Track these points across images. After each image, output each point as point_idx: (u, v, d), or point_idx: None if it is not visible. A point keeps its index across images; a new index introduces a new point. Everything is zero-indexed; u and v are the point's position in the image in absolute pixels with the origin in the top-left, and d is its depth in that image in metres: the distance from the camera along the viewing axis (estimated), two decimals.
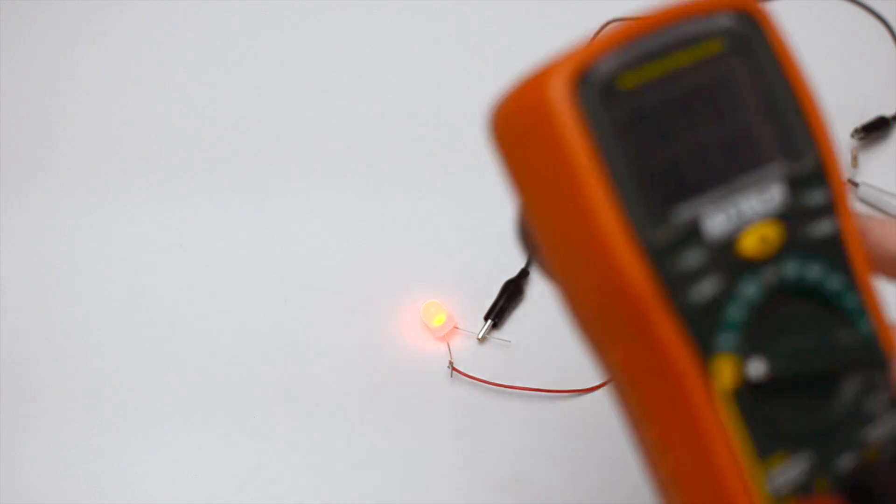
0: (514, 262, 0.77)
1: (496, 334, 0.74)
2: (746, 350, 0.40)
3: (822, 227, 0.42)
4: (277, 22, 0.89)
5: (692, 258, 0.39)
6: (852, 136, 0.80)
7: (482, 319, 0.74)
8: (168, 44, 0.88)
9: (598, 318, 0.41)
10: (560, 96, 0.39)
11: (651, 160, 0.39)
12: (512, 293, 0.75)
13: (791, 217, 0.41)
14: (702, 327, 0.39)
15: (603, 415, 0.71)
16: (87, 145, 0.82)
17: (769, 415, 0.40)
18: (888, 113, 0.82)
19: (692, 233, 0.39)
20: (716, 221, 0.40)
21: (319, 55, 0.87)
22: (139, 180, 0.80)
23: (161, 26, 0.89)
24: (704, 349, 0.39)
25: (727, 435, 0.39)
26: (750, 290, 0.40)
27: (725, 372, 0.39)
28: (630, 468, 0.70)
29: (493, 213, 0.79)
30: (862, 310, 0.42)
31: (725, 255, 0.40)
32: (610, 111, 0.39)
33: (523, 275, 0.76)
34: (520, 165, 0.41)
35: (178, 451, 0.69)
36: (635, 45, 0.40)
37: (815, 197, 0.42)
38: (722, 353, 0.39)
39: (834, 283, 0.42)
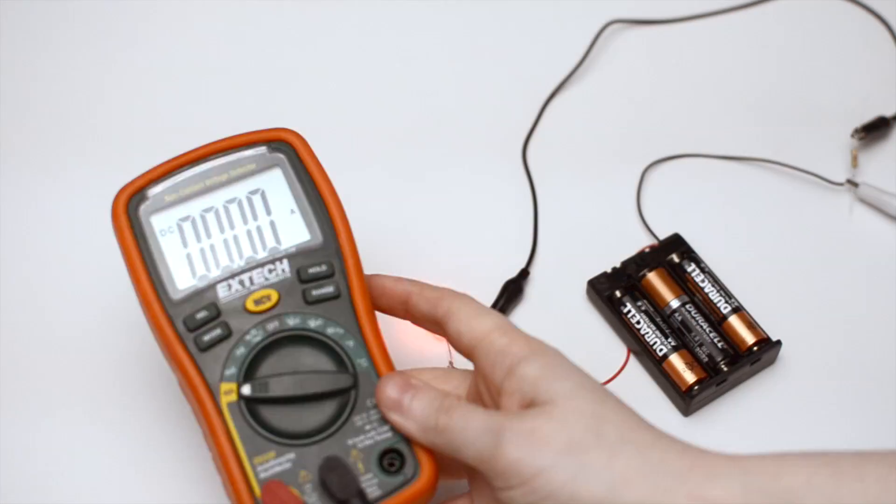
0: (514, 262, 0.77)
1: None
2: (243, 378, 0.58)
3: (326, 290, 0.59)
4: (280, 21, 0.89)
5: (204, 313, 0.58)
6: (852, 136, 0.80)
7: None
8: (176, 40, 0.88)
9: (161, 350, 0.60)
10: (119, 208, 0.60)
11: (186, 248, 0.60)
12: (512, 293, 0.75)
13: (294, 283, 0.59)
14: (213, 360, 0.58)
15: None
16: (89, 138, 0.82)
17: (262, 424, 0.57)
18: (888, 113, 0.82)
19: (207, 296, 0.59)
20: (227, 288, 0.59)
21: (317, 54, 0.87)
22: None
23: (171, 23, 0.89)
24: (214, 374, 0.58)
25: (230, 435, 0.57)
26: (252, 336, 0.58)
27: (228, 393, 0.57)
28: None
29: (492, 214, 0.80)
30: (363, 350, 0.59)
31: (235, 312, 0.59)
32: (155, 217, 0.60)
33: (523, 275, 0.76)
34: (120, 249, 0.60)
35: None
36: (175, 174, 0.61)
37: (323, 268, 0.60)
38: (226, 379, 0.57)
39: (335, 330, 0.59)
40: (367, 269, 0.76)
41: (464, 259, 0.77)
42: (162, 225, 0.60)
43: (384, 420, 0.58)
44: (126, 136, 0.82)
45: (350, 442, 0.57)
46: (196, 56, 0.87)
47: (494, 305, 0.74)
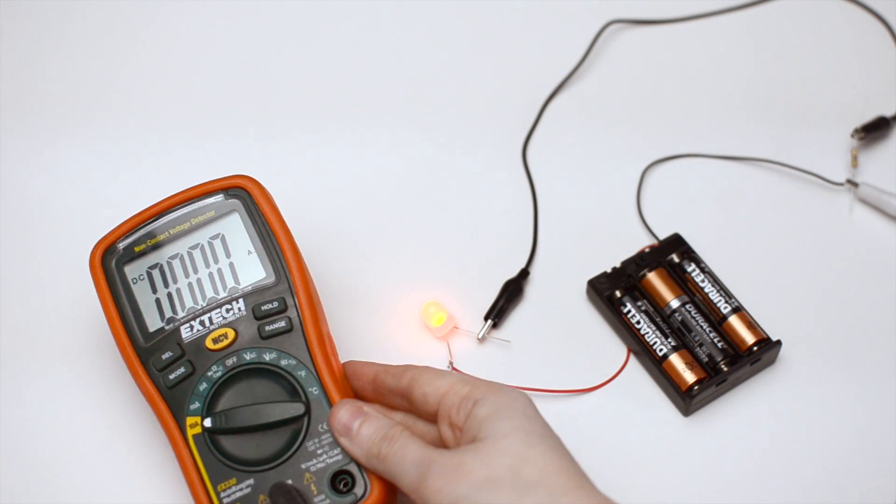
0: (514, 262, 0.77)
1: (496, 334, 0.74)
2: (205, 411, 0.63)
3: (279, 325, 0.64)
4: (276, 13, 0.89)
5: (169, 354, 0.64)
6: (852, 136, 0.80)
7: (482, 319, 0.74)
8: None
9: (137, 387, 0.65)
10: (95, 261, 0.67)
11: (156, 294, 0.66)
12: (512, 293, 0.75)
13: (250, 320, 0.65)
14: (180, 396, 0.63)
15: (602, 415, 0.71)
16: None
17: (224, 453, 0.62)
18: (888, 113, 0.82)
19: (171, 338, 0.65)
20: (190, 329, 0.65)
21: (314, 49, 0.88)
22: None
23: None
24: (181, 409, 0.63)
25: (196, 464, 0.62)
26: (213, 372, 0.64)
27: (193, 426, 0.63)
28: (629, 468, 0.71)
29: (493, 214, 0.80)
30: (314, 379, 0.63)
31: (197, 351, 0.64)
32: (128, 267, 0.67)
33: (523, 275, 0.76)
34: (98, 298, 0.66)
35: None
36: (143, 226, 0.67)
37: (275, 305, 0.65)
38: (191, 413, 0.63)
39: (288, 361, 0.64)
40: (366, 270, 0.76)
41: (464, 259, 0.77)
42: (133, 274, 0.67)
43: (335, 443, 0.62)
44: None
45: (304, 466, 0.62)
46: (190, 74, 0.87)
47: (494, 305, 0.74)
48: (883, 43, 0.87)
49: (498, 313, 0.74)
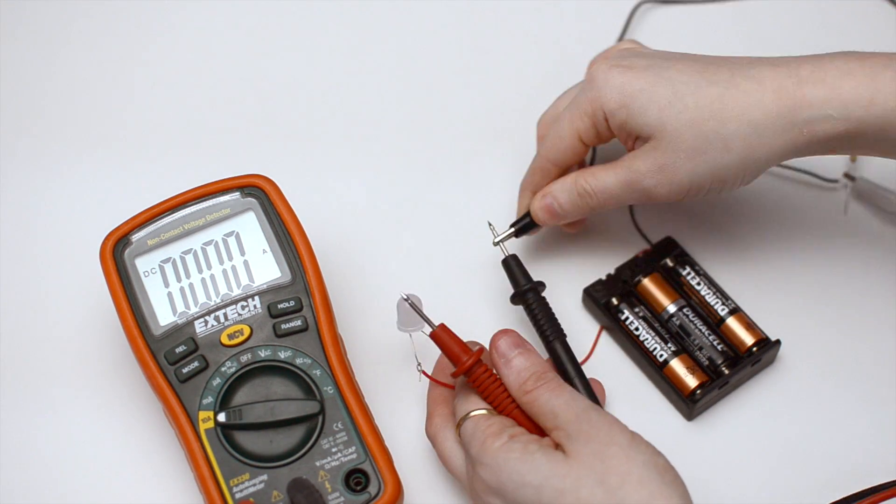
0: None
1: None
2: (219, 406, 0.64)
3: (294, 324, 0.65)
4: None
5: (182, 348, 0.65)
6: None
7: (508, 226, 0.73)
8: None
9: (146, 380, 0.66)
10: (105, 254, 0.67)
11: (168, 287, 0.66)
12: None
13: (265, 318, 0.65)
14: (192, 390, 0.64)
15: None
16: None
17: (237, 448, 0.63)
18: None
19: (185, 332, 0.65)
20: (204, 324, 0.65)
21: (323, 32, 0.88)
22: None
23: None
24: (193, 404, 0.64)
25: (208, 459, 0.63)
26: (227, 367, 0.65)
27: (205, 420, 0.63)
28: None
29: (491, 209, 0.79)
30: (329, 378, 0.65)
31: (211, 346, 0.65)
32: (139, 260, 0.67)
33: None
34: (108, 289, 0.66)
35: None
36: (157, 219, 0.68)
37: (291, 304, 0.66)
38: (203, 408, 0.64)
39: (303, 360, 0.65)
40: (366, 271, 0.76)
41: (464, 261, 0.77)
42: (145, 267, 0.67)
43: (350, 442, 0.63)
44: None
45: (318, 463, 0.63)
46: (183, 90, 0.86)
47: (521, 218, 0.73)
48: (882, 38, 0.86)
49: (523, 228, 0.73)
